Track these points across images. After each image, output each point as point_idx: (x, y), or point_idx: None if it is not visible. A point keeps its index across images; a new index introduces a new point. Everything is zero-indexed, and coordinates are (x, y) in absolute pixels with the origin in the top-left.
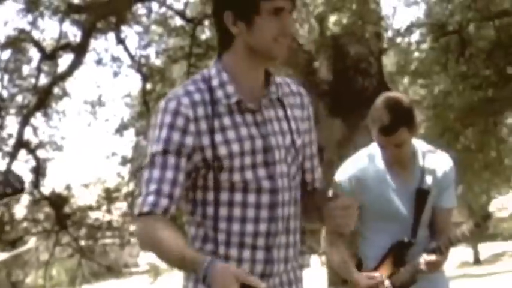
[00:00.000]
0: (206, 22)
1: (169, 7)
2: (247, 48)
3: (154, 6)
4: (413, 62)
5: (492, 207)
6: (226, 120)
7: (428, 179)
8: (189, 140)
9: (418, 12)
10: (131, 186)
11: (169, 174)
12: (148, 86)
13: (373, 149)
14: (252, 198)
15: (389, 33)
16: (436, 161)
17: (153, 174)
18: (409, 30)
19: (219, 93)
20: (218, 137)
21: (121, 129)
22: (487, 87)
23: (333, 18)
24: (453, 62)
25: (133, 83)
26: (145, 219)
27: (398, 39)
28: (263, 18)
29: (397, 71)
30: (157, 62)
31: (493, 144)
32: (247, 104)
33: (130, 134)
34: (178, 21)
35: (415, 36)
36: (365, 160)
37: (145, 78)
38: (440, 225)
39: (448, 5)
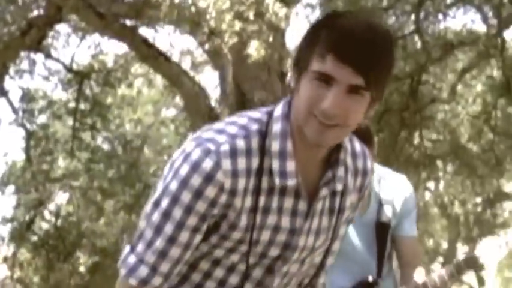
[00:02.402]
0: (93, 76)
1: (56, 59)
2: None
3: (39, 58)
4: None
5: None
6: (261, 201)
7: (387, 210)
8: (215, 212)
9: None
10: (11, 247)
11: (175, 252)
12: (32, 142)
13: None
14: (234, 278)
15: None
16: (394, 187)
17: (156, 239)
18: None
19: (275, 166)
20: (243, 220)
21: (1, 186)
22: None
23: (252, 46)
24: None
25: (15, 138)
26: None
27: None
28: (307, 79)
29: None
30: (42, 117)
31: None
32: (302, 190)
33: (11, 191)
34: (63, 74)
35: None
36: None
37: (28, 134)
38: (406, 258)
39: None
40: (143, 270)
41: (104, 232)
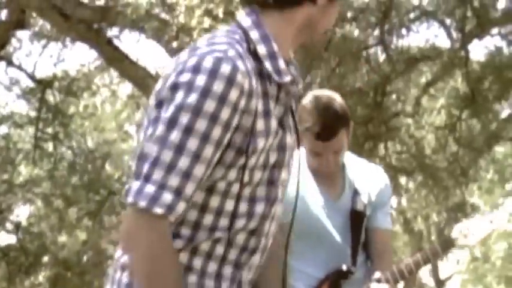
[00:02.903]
0: (56, 84)
1: (18, 67)
2: (305, 23)
3: (1, 66)
4: None
5: (455, 233)
6: (260, 104)
7: (363, 198)
8: (236, 120)
9: None
10: None
11: (199, 171)
12: None
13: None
14: (243, 206)
15: None
16: (370, 177)
17: (179, 159)
18: None
19: (268, 66)
20: (259, 124)
21: None
22: None
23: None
24: None
25: None
26: (154, 225)
27: None
28: (335, 5)
29: None
30: (3, 127)
31: None
32: (294, 87)
33: None
34: (25, 83)
35: None
36: None
37: None
38: (379, 249)
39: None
40: (167, 197)
41: (66, 243)
